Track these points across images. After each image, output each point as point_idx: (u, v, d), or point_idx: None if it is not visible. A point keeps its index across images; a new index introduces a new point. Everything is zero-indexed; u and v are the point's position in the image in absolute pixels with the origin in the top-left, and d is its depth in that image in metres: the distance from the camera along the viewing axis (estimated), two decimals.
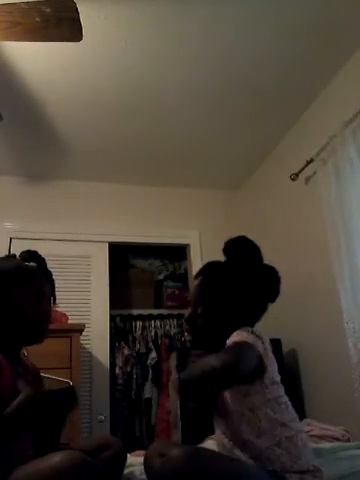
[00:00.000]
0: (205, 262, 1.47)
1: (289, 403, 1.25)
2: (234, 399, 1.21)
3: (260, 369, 1.18)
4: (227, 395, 1.23)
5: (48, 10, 1.69)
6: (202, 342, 1.39)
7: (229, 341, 1.22)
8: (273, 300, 1.37)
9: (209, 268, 1.45)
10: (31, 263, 1.39)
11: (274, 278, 1.37)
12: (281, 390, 1.24)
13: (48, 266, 1.43)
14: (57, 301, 1.45)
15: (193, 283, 1.51)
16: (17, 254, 1.44)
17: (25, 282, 1.32)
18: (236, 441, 1.19)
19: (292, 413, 1.24)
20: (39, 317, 1.33)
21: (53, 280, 1.42)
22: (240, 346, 1.18)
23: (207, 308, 1.37)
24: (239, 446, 1.18)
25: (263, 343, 1.21)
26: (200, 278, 1.44)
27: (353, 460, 1.50)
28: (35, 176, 3.45)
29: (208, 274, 1.43)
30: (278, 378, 1.24)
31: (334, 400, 2.42)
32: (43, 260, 1.41)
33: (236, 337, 1.21)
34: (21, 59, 2.35)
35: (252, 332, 1.22)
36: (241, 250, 1.39)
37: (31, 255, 1.40)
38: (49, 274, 1.41)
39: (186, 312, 1.47)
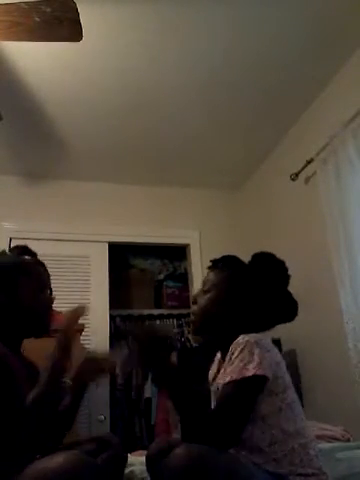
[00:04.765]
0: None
1: (301, 408, 1.22)
2: None
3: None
4: None
5: (48, 10, 1.69)
6: (204, 327, 1.37)
7: (240, 347, 1.18)
8: (285, 321, 1.39)
9: (235, 262, 1.42)
10: (26, 256, 1.41)
11: (293, 306, 1.39)
12: (294, 395, 1.22)
13: (48, 266, 1.45)
14: (56, 301, 1.46)
15: (200, 267, 1.47)
16: (7, 251, 1.46)
17: (28, 272, 1.35)
18: (245, 447, 1.15)
19: (304, 419, 1.22)
20: (43, 306, 1.35)
21: (47, 271, 1.43)
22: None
23: (226, 298, 1.34)
24: (248, 451, 1.15)
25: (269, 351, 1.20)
26: (224, 267, 1.40)
27: (353, 460, 1.50)
28: (35, 176, 3.45)
29: (235, 267, 1.40)
30: (290, 382, 1.22)
31: (334, 400, 2.42)
32: (35, 253, 1.43)
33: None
34: (21, 59, 2.35)
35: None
36: (272, 267, 1.38)
37: (23, 249, 1.42)
38: (43, 265, 1.43)
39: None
